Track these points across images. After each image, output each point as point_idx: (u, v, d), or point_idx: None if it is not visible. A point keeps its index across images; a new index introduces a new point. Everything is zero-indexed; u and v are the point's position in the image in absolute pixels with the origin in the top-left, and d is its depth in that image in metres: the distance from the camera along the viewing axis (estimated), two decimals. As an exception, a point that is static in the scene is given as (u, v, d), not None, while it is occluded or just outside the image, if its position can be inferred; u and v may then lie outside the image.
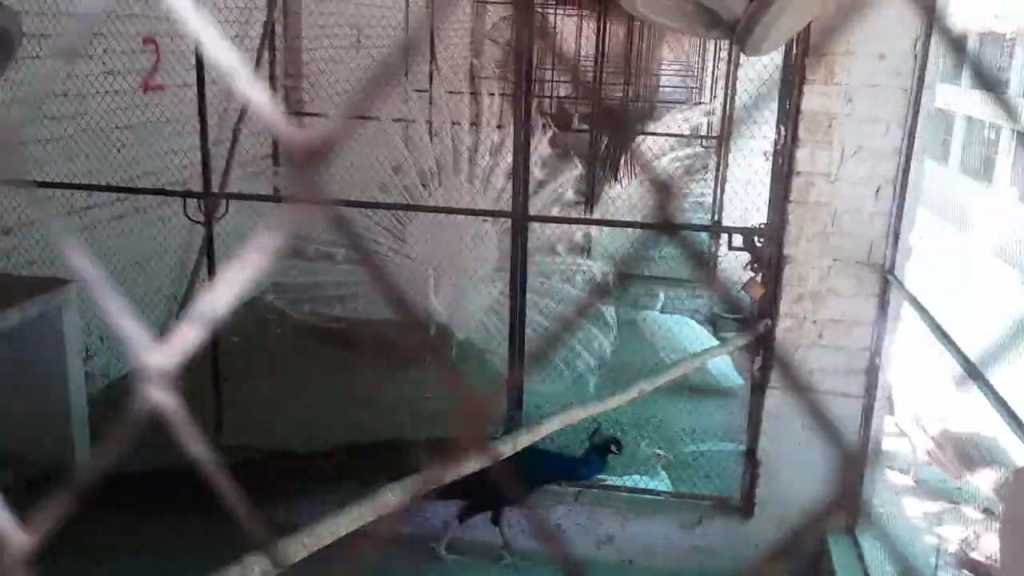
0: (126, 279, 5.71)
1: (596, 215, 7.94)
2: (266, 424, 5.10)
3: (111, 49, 5.49)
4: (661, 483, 4.78)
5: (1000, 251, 17.98)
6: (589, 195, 8.02)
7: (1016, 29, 21.33)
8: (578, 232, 6.46)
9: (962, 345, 3.02)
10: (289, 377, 5.92)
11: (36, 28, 4.79)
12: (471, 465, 1.89)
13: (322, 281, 6.31)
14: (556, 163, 6.58)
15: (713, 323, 7.55)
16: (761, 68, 6.70)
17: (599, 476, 4.48)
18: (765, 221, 4.27)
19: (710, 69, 13.36)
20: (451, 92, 6.77)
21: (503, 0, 13.33)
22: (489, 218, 6.11)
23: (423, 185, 6.39)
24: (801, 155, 3.94)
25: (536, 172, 5.92)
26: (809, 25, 3.77)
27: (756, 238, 4.16)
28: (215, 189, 5.11)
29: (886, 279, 3.95)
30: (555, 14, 15.04)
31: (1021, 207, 19.74)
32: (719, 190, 8.51)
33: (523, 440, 2.91)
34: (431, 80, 7.48)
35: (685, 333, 6.61)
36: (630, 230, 6.27)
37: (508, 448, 2.82)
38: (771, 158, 4.44)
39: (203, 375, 4.69)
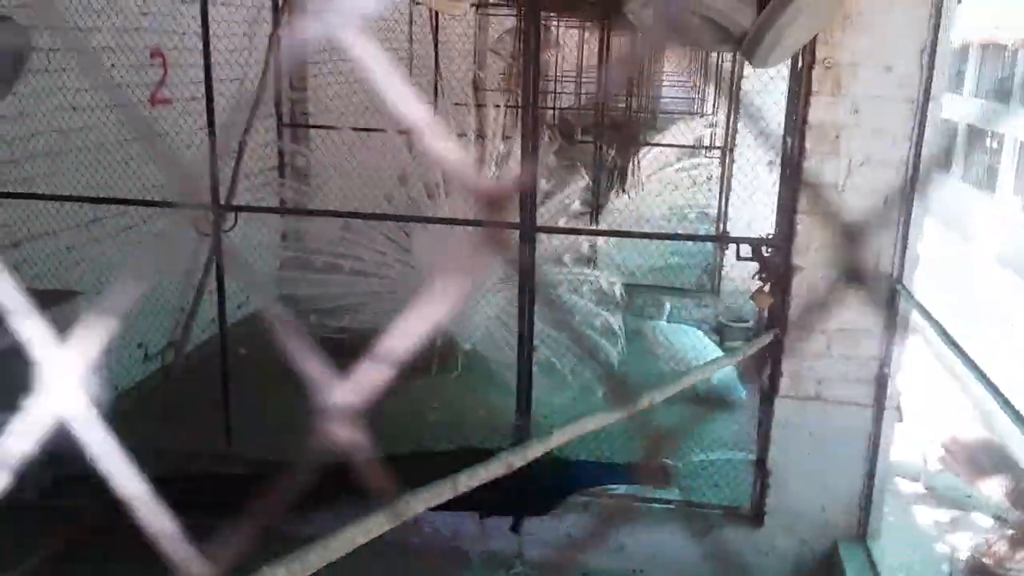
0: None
1: (602, 226, 7.96)
2: (274, 434, 5.09)
3: (119, 63, 5.52)
4: (670, 492, 4.78)
5: (1001, 258, 17.99)
6: (595, 206, 8.04)
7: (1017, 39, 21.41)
8: (584, 243, 6.47)
9: (971, 352, 3.03)
10: (296, 388, 5.90)
11: (46, 42, 4.82)
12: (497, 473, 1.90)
13: (330, 293, 6.32)
14: (562, 174, 6.60)
15: (719, 332, 7.56)
16: (767, 79, 6.73)
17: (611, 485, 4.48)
18: (772, 231, 4.28)
19: (713, 80, 13.40)
20: (456, 104, 6.80)
21: (507, 13, 13.38)
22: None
23: (429, 196, 6.41)
24: (809, 166, 3.96)
25: (542, 183, 5.94)
26: (815, 37, 3.80)
27: (764, 248, 4.17)
28: (222, 201, 5.12)
29: (894, 288, 3.96)
30: (558, 26, 15.10)
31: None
32: (724, 200, 8.52)
33: (533, 452, 2.91)
34: (435, 92, 7.52)
35: (692, 343, 6.62)
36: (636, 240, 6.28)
37: (520, 460, 2.83)
38: (776, 168, 4.46)
39: (213, 386, 4.70)
